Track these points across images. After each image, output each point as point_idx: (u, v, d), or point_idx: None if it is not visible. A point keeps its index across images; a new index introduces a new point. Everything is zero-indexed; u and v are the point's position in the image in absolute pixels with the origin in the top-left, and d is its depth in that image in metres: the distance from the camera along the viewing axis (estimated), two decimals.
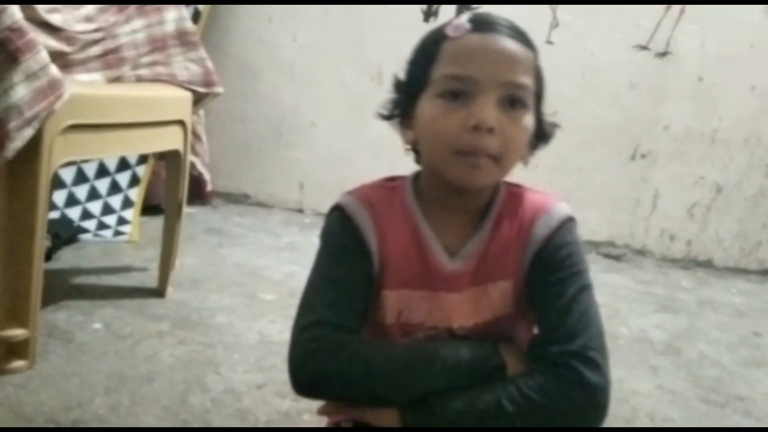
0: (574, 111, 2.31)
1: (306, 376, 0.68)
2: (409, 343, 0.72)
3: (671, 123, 2.34)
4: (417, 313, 0.72)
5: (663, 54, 2.28)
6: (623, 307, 1.89)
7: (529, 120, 0.66)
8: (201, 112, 1.70)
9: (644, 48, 2.28)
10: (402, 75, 0.73)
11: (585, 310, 0.68)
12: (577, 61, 2.32)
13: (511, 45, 0.65)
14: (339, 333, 0.68)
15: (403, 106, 0.72)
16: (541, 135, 0.71)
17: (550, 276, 0.69)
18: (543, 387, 0.64)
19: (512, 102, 0.65)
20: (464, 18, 0.66)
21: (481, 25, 0.65)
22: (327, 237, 0.74)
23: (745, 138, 2.30)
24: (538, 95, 0.69)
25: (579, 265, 0.70)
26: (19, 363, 1.18)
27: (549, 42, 2.28)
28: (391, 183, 0.77)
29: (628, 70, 2.31)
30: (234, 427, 1.09)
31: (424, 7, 2.41)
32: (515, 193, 0.74)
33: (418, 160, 0.76)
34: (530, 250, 0.70)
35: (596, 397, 0.64)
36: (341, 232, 0.72)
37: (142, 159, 2.17)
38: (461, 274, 0.71)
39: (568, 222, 0.71)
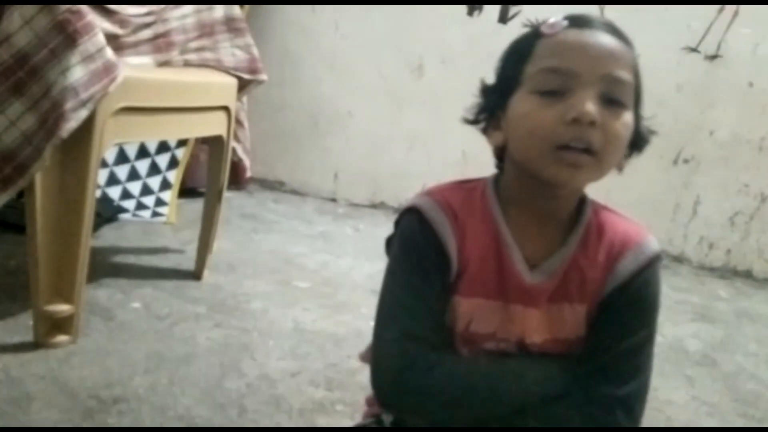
0: None
1: (397, 392, 0.66)
2: (497, 364, 0.69)
3: (717, 128, 2.28)
4: (488, 324, 0.69)
5: (713, 57, 2.22)
6: (659, 315, 1.86)
7: (629, 117, 0.63)
8: (244, 98, 1.71)
9: (694, 50, 2.23)
10: (490, 79, 0.70)
11: (644, 360, 0.68)
12: None
13: (610, 40, 0.62)
14: (430, 349, 0.66)
15: (492, 108, 0.69)
16: (637, 140, 0.67)
17: (625, 314, 0.68)
18: (577, 424, 0.66)
19: (612, 98, 0.61)
20: (559, 17, 0.64)
21: (578, 21, 0.63)
22: (405, 242, 0.71)
23: None
24: (637, 94, 0.66)
25: (655, 310, 0.69)
26: (62, 338, 1.21)
27: None
28: (468, 184, 0.73)
29: (675, 72, 2.26)
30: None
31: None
32: (603, 213, 0.71)
33: (500, 165, 0.72)
34: (614, 281, 0.68)
35: None
36: (421, 238, 0.68)
37: (182, 142, 2.20)
38: (540, 289, 0.68)
39: (656, 260, 0.69)
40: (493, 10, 2.36)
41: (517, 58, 0.65)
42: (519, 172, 0.68)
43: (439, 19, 2.42)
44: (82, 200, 1.14)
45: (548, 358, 0.69)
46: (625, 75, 0.62)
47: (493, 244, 0.69)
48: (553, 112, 0.60)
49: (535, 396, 0.66)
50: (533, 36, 0.65)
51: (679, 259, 2.39)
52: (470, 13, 2.39)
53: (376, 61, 2.56)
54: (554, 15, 0.66)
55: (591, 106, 0.59)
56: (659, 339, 1.65)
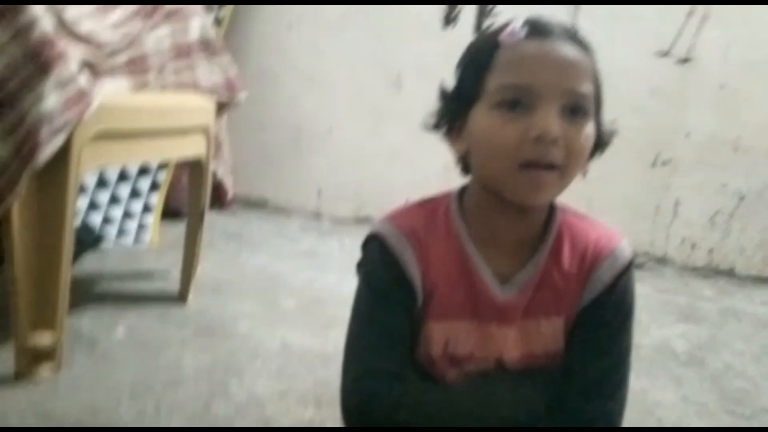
0: None
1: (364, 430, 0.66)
2: (464, 389, 0.68)
3: (693, 130, 2.31)
4: (465, 345, 0.68)
5: (685, 60, 2.26)
6: (644, 317, 1.87)
7: (591, 128, 0.63)
8: (224, 118, 1.71)
9: (666, 54, 2.27)
10: (450, 84, 0.70)
11: (625, 373, 0.68)
12: None
13: (570, 51, 0.61)
14: (392, 384, 0.64)
15: (453, 116, 0.68)
16: (599, 143, 0.67)
17: (606, 326, 0.67)
18: None
19: (574, 111, 0.61)
20: (518, 24, 0.62)
21: (537, 30, 0.61)
22: (367, 272, 0.70)
23: None
24: (597, 101, 0.65)
25: (631, 316, 0.69)
26: (45, 368, 1.19)
27: None
28: (431, 204, 0.72)
29: (649, 76, 2.29)
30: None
31: (444, 9, 2.40)
32: (573, 220, 0.71)
33: (466, 171, 0.71)
34: (591, 293, 0.67)
35: None
36: (382, 267, 0.68)
37: (163, 164, 2.18)
38: (514, 305, 0.67)
39: (631, 267, 0.69)
40: (467, 22, 2.38)
41: (477, 69, 0.64)
42: (483, 186, 0.67)
43: (414, 33, 2.44)
44: (61, 227, 1.13)
45: (521, 377, 0.67)
46: (586, 87, 0.61)
47: (460, 263, 0.67)
48: (516, 130, 0.60)
49: (508, 419, 0.65)
50: (492, 45, 0.63)
51: (663, 261, 2.41)
52: (445, 25, 2.41)
53: (354, 77, 2.57)
54: (515, 19, 0.64)
55: (553, 124, 0.59)
56: (646, 341, 1.68)
